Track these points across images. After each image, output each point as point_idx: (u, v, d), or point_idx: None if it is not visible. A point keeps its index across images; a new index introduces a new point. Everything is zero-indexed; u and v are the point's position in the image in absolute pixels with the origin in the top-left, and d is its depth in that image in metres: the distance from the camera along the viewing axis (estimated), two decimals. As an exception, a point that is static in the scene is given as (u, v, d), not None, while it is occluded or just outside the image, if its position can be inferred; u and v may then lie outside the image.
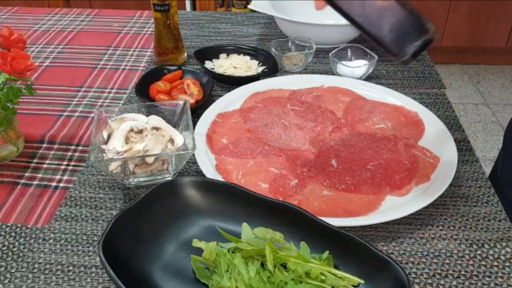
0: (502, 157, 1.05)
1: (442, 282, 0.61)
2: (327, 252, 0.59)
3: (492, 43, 2.83)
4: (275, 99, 0.92)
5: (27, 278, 0.62)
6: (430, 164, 0.76)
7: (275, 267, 0.56)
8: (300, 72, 1.04)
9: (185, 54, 1.09)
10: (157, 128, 0.75)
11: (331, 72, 1.03)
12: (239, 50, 1.08)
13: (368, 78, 1.00)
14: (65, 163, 0.81)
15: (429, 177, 0.73)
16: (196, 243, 0.60)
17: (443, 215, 0.70)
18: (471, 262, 0.63)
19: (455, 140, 0.80)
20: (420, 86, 1.00)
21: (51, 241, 0.67)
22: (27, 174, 0.78)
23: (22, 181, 0.77)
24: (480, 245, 0.66)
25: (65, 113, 0.93)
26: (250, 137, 0.83)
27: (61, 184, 0.76)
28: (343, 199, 0.71)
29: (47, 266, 0.64)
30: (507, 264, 0.63)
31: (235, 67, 1.03)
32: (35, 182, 0.77)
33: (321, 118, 0.86)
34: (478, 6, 2.69)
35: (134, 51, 1.14)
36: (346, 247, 0.58)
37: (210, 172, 0.73)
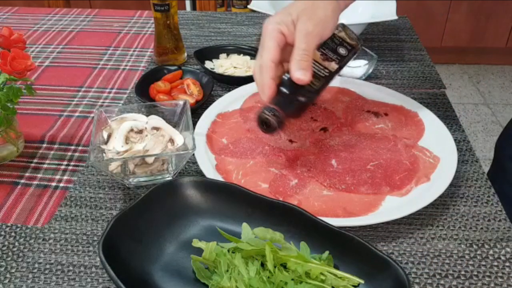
0: (492, 169, 1.06)
1: (442, 282, 0.61)
2: (327, 252, 0.59)
3: (492, 43, 2.83)
4: (275, 99, 0.92)
5: (27, 278, 0.62)
6: (430, 164, 0.76)
7: (275, 267, 0.56)
8: (300, 72, 1.04)
9: (185, 54, 1.09)
10: (157, 128, 0.75)
11: (331, 72, 1.02)
12: (239, 50, 1.08)
13: (368, 78, 1.00)
14: (65, 163, 0.81)
15: (429, 177, 0.73)
16: (196, 243, 0.60)
17: (443, 215, 0.70)
18: (471, 262, 0.63)
19: (455, 140, 0.80)
20: (420, 86, 1.00)
21: (51, 241, 0.67)
22: (27, 174, 0.78)
23: (22, 181, 0.77)
24: (480, 245, 0.66)
25: (65, 113, 0.93)
26: (250, 137, 0.83)
27: (61, 184, 0.76)
28: (343, 199, 0.71)
29: (47, 266, 0.64)
30: (507, 264, 0.63)
31: (235, 67, 1.03)
32: (35, 182, 0.77)
33: (321, 118, 0.86)
34: (478, 6, 2.69)
35: (134, 51, 1.14)
36: (346, 247, 0.58)
37: (210, 172, 0.73)
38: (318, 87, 0.71)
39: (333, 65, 0.72)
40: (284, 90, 0.69)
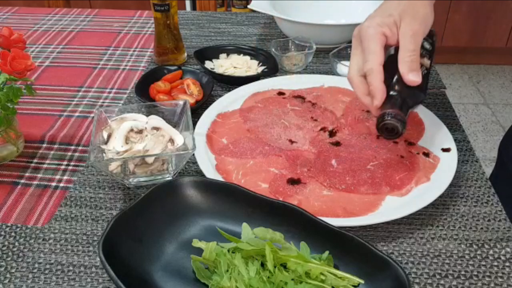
0: (495, 171, 1.06)
1: (442, 282, 0.61)
2: (327, 252, 0.59)
3: (492, 43, 2.83)
4: (275, 99, 0.92)
5: (27, 278, 0.62)
6: (430, 164, 0.76)
7: (275, 267, 0.56)
8: (300, 72, 1.04)
9: (185, 54, 1.09)
10: (157, 128, 0.75)
11: (331, 72, 1.03)
12: (239, 50, 1.08)
13: (368, 78, 1.00)
14: (65, 163, 0.81)
15: (429, 177, 0.73)
16: (196, 243, 0.60)
17: (443, 215, 0.70)
18: (471, 262, 0.63)
19: (455, 140, 0.80)
20: (420, 86, 0.99)
21: (51, 241, 0.67)
22: (27, 174, 0.78)
23: (22, 181, 0.77)
24: (480, 245, 0.66)
25: (65, 113, 0.93)
26: (250, 137, 0.83)
27: (61, 184, 0.76)
28: (343, 199, 0.71)
29: (47, 266, 0.64)
30: (507, 264, 0.63)
31: (235, 67, 1.03)
32: (35, 182, 0.77)
33: (321, 118, 0.86)
34: (478, 6, 2.69)
35: (134, 51, 1.14)
36: (346, 247, 0.58)
37: (210, 172, 0.73)
38: (424, 86, 0.70)
39: (427, 61, 0.71)
40: (396, 93, 0.68)
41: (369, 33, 0.67)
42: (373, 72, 0.66)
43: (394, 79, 0.68)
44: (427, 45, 0.72)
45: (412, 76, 0.66)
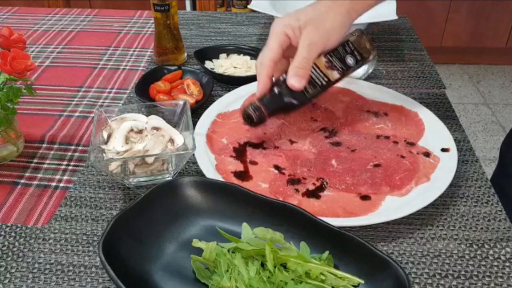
0: (496, 172, 1.05)
1: (442, 282, 0.61)
2: (327, 252, 0.59)
3: (492, 43, 2.83)
4: (275, 99, 0.92)
5: (27, 278, 0.62)
6: (430, 164, 0.76)
7: (275, 267, 0.56)
8: (300, 72, 1.04)
9: (185, 54, 1.09)
10: (157, 128, 0.75)
11: (331, 72, 1.02)
12: (239, 50, 1.08)
13: (368, 78, 1.00)
14: (65, 163, 0.81)
15: (429, 177, 0.73)
16: (196, 243, 0.60)
17: (443, 215, 0.70)
18: (471, 262, 0.63)
19: (455, 140, 0.80)
20: (420, 86, 1.00)
21: (51, 241, 0.67)
22: (27, 174, 0.78)
23: (22, 181, 0.77)
24: (480, 245, 0.66)
25: (65, 113, 0.93)
26: (250, 137, 0.83)
27: (61, 184, 0.76)
28: (343, 199, 0.71)
29: (47, 266, 0.64)
30: (507, 264, 0.63)
31: (235, 67, 1.03)
32: (35, 182, 0.77)
33: (321, 118, 0.86)
34: (478, 6, 2.69)
35: (134, 51, 1.14)
36: (346, 247, 0.58)
37: (210, 172, 0.73)
38: (310, 94, 0.74)
39: (335, 75, 0.73)
40: (276, 90, 0.73)
41: (274, 30, 0.72)
42: (261, 66, 0.72)
43: (282, 78, 0.73)
44: (349, 60, 0.73)
45: (293, 80, 0.70)
